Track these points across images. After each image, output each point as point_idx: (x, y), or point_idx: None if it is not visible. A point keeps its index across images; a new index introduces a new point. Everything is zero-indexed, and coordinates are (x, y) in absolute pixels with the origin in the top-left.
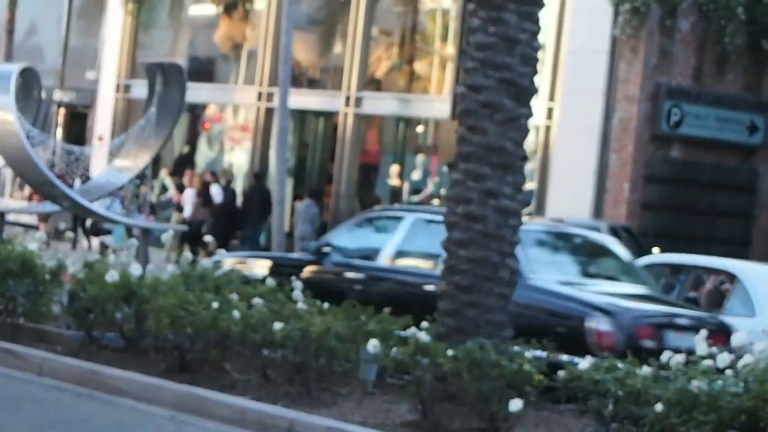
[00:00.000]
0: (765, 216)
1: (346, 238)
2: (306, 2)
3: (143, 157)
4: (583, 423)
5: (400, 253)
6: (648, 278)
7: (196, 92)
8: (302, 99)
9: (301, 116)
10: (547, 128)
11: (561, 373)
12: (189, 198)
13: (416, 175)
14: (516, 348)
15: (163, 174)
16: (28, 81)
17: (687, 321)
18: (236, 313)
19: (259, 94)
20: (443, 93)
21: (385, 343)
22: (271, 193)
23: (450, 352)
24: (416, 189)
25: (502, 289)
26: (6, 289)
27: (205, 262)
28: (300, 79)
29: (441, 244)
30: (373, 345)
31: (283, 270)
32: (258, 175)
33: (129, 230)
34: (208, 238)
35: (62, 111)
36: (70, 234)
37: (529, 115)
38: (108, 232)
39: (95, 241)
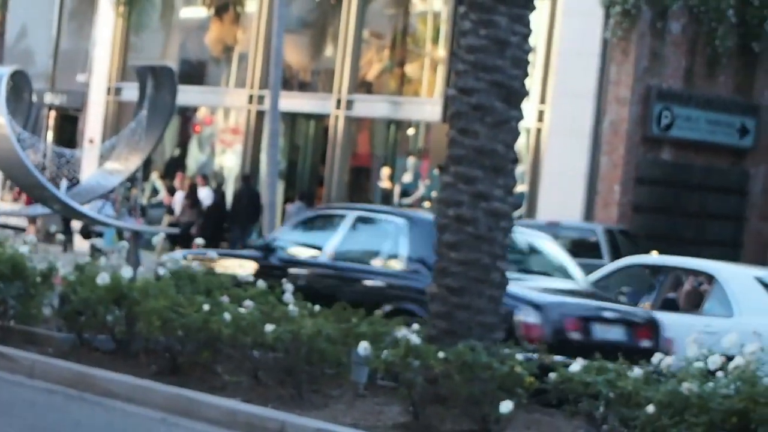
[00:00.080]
0: (756, 218)
1: (292, 235)
2: (297, 5)
3: (134, 160)
4: (574, 425)
5: (341, 250)
6: (579, 274)
7: (187, 95)
8: (293, 102)
9: (292, 119)
10: (538, 131)
11: (552, 375)
12: (179, 201)
13: (407, 178)
14: (507, 350)
15: (154, 177)
16: (19, 84)
17: (614, 314)
18: (227, 316)
19: (250, 97)
20: (434, 96)
21: (376, 345)
22: (261, 195)
23: (441, 355)
24: (407, 192)
25: (493, 291)
26: None
27: (166, 257)
28: (291, 82)
29: (432, 246)
30: (363, 347)
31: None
32: (246, 177)
33: (120, 233)
34: (198, 241)
35: (53, 114)
36: (60, 237)
37: (520, 117)
38: (99, 234)
39: (85, 243)
